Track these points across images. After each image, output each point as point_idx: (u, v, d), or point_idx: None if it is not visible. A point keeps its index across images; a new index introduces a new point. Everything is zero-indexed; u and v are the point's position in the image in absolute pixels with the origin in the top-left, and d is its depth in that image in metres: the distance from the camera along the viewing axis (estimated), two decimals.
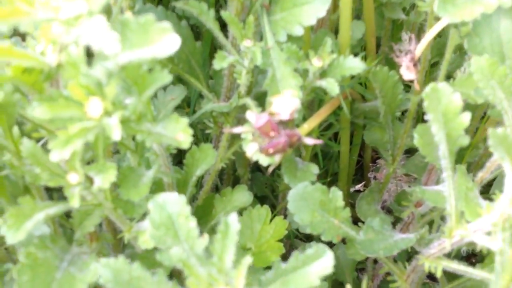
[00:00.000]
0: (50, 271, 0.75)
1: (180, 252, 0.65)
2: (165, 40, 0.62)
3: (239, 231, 1.14)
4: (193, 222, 0.74)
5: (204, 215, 1.20)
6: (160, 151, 0.92)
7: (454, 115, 0.80)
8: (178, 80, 1.23)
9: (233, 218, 0.67)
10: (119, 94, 0.81)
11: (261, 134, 0.78)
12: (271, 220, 1.14)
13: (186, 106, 1.36)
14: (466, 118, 0.81)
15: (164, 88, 1.21)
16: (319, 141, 0.80)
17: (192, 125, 1.39)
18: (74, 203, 0.77)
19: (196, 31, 1.38)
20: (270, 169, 0.84)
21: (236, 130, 0.81)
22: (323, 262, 0.68)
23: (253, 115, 0.78)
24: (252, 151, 0.80)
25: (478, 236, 0.82)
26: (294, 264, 0.69)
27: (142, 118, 0.77)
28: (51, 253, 0.77)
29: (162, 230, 0.73)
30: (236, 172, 1.35)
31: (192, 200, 1.32)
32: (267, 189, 1.44)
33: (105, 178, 0.77)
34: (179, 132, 0.75)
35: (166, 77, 0.71)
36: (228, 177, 1.39)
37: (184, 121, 0.76)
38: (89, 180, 0.84)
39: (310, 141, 0.80)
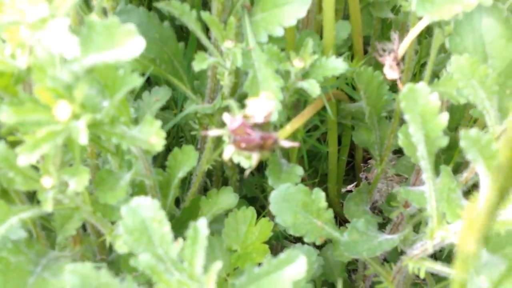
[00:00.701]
0: (23, 276, 0.75)
1: (148, 258, 0.65)
2: (130, 42, 0.61)
3: (219, 234, 1.14)
4: (167, 227, 0.74)
5: (191, 217, 1.19)
6: (139, 153, 0.92)
7: (432, 116, 0.78)
8: (166, 81, 1.23)
9: (202, 223, 0.66)
10: (95, 98, 0.80)
11: (236, 136, 0.77)
12: (257, 222, 1.13)
13: (175, 107, 1.36)
14: (444, 118, 0.79)
15: (150, 88, 1.21)
16: (296, 144, 0.79)
17: (179, 126, 1.39)
18: (48, 207, 0.76)
19: (185, 32, 1.37)
20: (247, 172, 0.83)
21: (212, 133, 0.80)
22: (296, 267, 0.67)
23: (228, 118, 0.77)
24: (228, 154, 0.79)
25: (458, 238, 0.80)
26: (267, 268, 0.68)
27: (115, 121, 0.76)
28: (25, 258, 0.77)
29: (135, 235, 0.73)
30: (225, 173, 1.34)
31: (179, 201, 1.31)
32: (257, 190, 1.43)
33: (78, 182, 0.77)
34: (153, 135, 0.75)
35: (136, 80, 0.70)
36: (217, 178, 1.38)
37: (158, 124, 0.76)
38: (65, 184, 0.83)
39: (287, 144, 0.79)
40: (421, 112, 0.78)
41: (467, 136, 0.66)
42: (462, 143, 0.66)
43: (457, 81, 0.95)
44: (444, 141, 0.81)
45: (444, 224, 0.84)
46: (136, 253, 0.73)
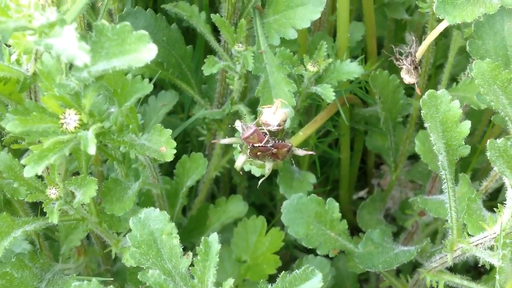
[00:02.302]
0: None
1: (156, 275, 0.61)
2: (142, 49, 0.58)
3: (228, 244, 1.11)
4: (176, 240, 0.70)
5: (198, 226, 1.16)
6: (146, 161, 0.89)
7: (453, 124, 0.75)
8: (172, 85, 1.19)
9: (214, 238, 0.63)
10: (102, 104, 0.77)
11: (249, 145, 0.73)
12: (267, 231, 1.10)
13: (181, 112, 1.33)
14: (466, 126, 0.76)
15: (156, 93, 1.17)
16: (311, 152, 0.76)
17: (186, 131, 1.36)
18: (53, 219, 0.73)
19: (192, 34, 1.34)
20: (260, 182, 0.79)
21: (224, 141, 0.76)
22: (312, 284, 0.64)
23: (240, 126, 0.73)
24: (240, 163, 0.76)
25: (480, 251, 0.77)
26: (281, 285, 0.65)
27: (124, 129, 0.73)
28: (29, 273, 0.73)
29: (143, 248, 0.69)
30: (233, 180, 1.31)
31: (185, 209, 1.28)
32: (266, 198, 1.39)
33: (85, 193, 0.73)
34: (163, 145, 0.71)
35: (146, 87, 0.67)
36: (225, 185, 1.35)
37: (168, 132, 0.72)
38: (71, 194, 0.80)
39: (301, 152, 0.76)
40: (443, 120, 0.75)
41: (494, 146, 0.62)
42: (489, 154, 0.63)
43: (477, 86, 0.91)
44: (466, 151, 0.77)
45: (465, 236, 0.81)
46: (143, 266, 0.70)
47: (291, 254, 1.34)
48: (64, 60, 0.55)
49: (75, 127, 0.64)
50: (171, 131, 0.71)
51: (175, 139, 1.44)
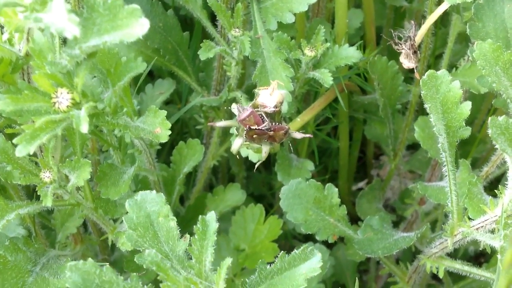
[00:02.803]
0: (21, 275, 0.70)
1: (152, 254, 0.60)
2: (135, 24, 0.57)
3: (226, 233, 1.10)
4: (173, 222, 0.69)
5: (196, 215, 1.14)
6: (142, 147, 0.87)
7: (453, 105, 0.74)
8: (169, 74, 1.18)
9: (212, 216, 0.62)
10: (96, 87, 0.76)
11: (245, 127, 0.72)
12: (265, 220, 1.09)
13: (179, 101, 1.31)
14: (466, 108, 0.75)
15: (154, 81, 1.16)
16: (308, 135, 0.75)
17: (183, 120, 1.34)
18: (47, 202, 0.72)
19: (189, 23, 1.32)
20: (256, 166, 0.78)
21: (220, 124, 0.75)
22: (311, 263, 0.63)
23: (237, 108, 0.72)
24: (236, 146, 0.75)
25: (481, 234, 0.76)
26: (280, 266, 0.64)
27: (118, 110, 0.72)
28: (23, 256, 0.72)
29: (140, 230, 0.68)
30: (231, 170, 1.30)
31: (183, 199, 1.27)
32: (264, 188, 1.38)
33: (79, 176, 0.72)
34: (157, 126, 0.70)
35: (140, 66, 0.66)
36: (223, 175, 1.34)
37: (162, 114, 0.71)
38: (65, 178, 0.79)
39: (298, 135, 0.75)
40: (443, 101, 0.74)
41: (495, 124, 0.61)
42: (490, 131, 0.62)
43: (477, 70, 0.90)
44: (466, 132, 0.76)
45: (465, 220, 0.80)
46: (140, 249, 0.69)
47: (290, 244, 1.33)
48: (53, 32, 0.54)
49: (67, 106, 0.63)
50: (166, 112, 0.69)
51: (172, 128, 1.43)
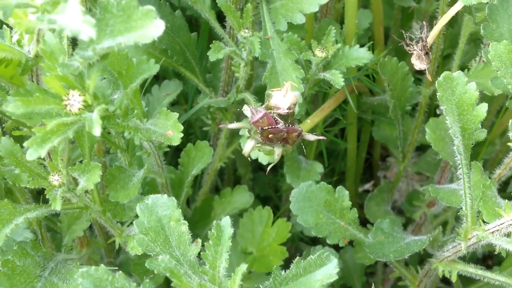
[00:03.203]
0: (30, 280, 0.69)
1: (166, 260, 0.59)
2: (149, 25, 0.56)
3: (234, 235, 1.08)
4: (184, 226, 0.68)
5: (203, 218, 1.13)
6: (151, 149, 0.86)
7: (469, 107, 0.73)
8: (175, 75, 1.17)
9: (226, 221, 0.60)
10: (106, 88, 0.75)
11: (258, 130, 0.71)
12: (273, 222, 1.07)
13: (184, 102, 1.30)
14: (483, 109, 0.73)
15: (159, 83, 1.15)
16: (321, 137, 0.74)
17: (189, 122, 1.33)
18: (56, 205, 0.71)
19: (195, 24, 1.31)
20: (269, 167, 0.77)
21: (232, 126, 0.74)
22: (328, 269, 0.62)
23: (249, 110, 0.71)
24: (248, 148, 0.73)
25: (497, 238, 0.75)
26: (295, 271, 0.63)
27: (128, 113, 0.71)
28: (31, 261, 0.71)
29: (151, 235, 0.67)
30: (237, 172, 1.29)
31: (189, 201, 1.26)
32: (271, 190, 1.37)
33: (89, 179, 0.71)
34: (169, 128, 0.69)
35: (153, 68, 0.64)
36: (229, 177, 1.32)
37: (174, 116, 0.70)
38: (74, 181, 0.78)
39: (311, 137, 0.74)
40: (458, 103, 0.73)
41: None
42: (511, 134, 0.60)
43: (490, 71, 0.89)
44: (482, 134, 0.75)
45: (480, 223, 0.79)
46: (151, 254, 0.68)
47: (297, 247, 1.31)
48: (68, 34, 0.53)
49: (79, 109, 0.61)
50: (178, 114, 0.68)
51: None
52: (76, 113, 0.61)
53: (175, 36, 1.02)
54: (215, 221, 0.61)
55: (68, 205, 0.77)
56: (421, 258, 1.25)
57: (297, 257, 1.09)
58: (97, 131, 0.58)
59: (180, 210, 0.69)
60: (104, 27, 0.58)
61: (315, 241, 1.34)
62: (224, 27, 1.00)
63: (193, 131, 1.36)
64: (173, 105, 1.34)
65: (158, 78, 1.28)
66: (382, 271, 1.32)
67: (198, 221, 1.15)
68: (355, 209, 0.92)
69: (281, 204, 1.34)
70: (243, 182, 1.30)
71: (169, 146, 1.41)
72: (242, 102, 1.06)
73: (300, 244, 1.30)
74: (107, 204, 0.83)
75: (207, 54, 0.92)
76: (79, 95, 0.62)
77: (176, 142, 0.67)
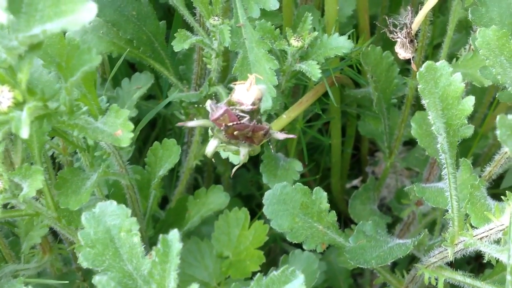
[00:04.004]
0: None
1: (104, 281, 0.52)
2: (80, 9, 0.48)
3: (209, 238, 1.02)
4: (136, 237, 0.61)
5: (177, 220, 1.06)
6: (110, 148, 0.79)
7: (454, 100, 0.65)
8: (150, 68, 1.09)
9: (174, 235, 0.53)
10: (53, 83, 0.68)
11: (220, 128, 0.64)
12: (250, 225, 1.00)
13: (161, 96, 1.23)
14: (469, 103, 0.66)
15: (130, 76, 1.08)
16: (291, 136, 0.66)
17: (165, 117, 1.26)
18: None
19: (172, 12, 1.23)
20: (233, 170, 0.70)
21: (191, 124, 0.67)
22: (293, 287, 0.55)
23: (210, 106, 0.64)
24: (211, 148, 0.66)
25: (486, 245, 0.68)
26: None
27: (75, 110, 0.64)
28: None
29: (98, 248, 0.60)
30: (217, 169, 1.22)
31: (167, 201, 1.19)
32: (253, 187, 1.30)
33: (31, 185, 0.64)
34: (118, 127, 0.62)
35: (95, 58, 0.57)
36: (209, 174, 1.25)
37: (125, 113, 0.63)
38: (20, 187, 0.71)
39: (281, 136, 0.66)
40: (442, 96, 0.65)
41: (504, 124, 0.53)
42: (499, 133, 0.53)
43: (480, 60, 0.82)
44: (468, 131, 0.68)
45: (468, 228, 0.72)
46: (99, 269, 0.61)
47: (280, 247, 1.25)
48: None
49: (8, 106, 0.54)
50: (128, 111, 0.61)
51: (154, 125, 1.35)
52: (5, 112, 0.54)
53: (141, 25, 0.94)
54: (161, 235, 0.54)
55: (14, 213, 0.70)
56: (412, 259, 1.19)
57: (282, 256, 1.04)
58: (24, 133, 0.51)
59: (133, 219, 0.62)
60: (33, 12, 0.51)
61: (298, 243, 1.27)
62: (194, 14, 0.92)
63: (171, 127, 1.29)
64: (149, 99, 1.27)
65: (129, 70, 1.20)
66: (370, 272, 1.25)
67: (172, 223, 1.08)
68: (334, 212, 0.85)
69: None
70: (223, 180, 1.23)
71: (145, 142, 1.35)
72: (216, 96, 0.99)
73: (283, 244, 1.23)
74: (62, 210, 0.76)
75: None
76: (9, 91, 0.55)
77: (125, 143, 0.60)
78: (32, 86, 0.58)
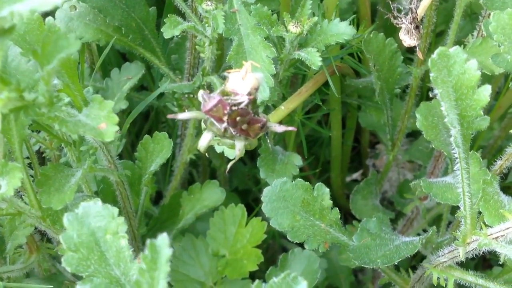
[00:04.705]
0: None
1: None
2: None
3: (204, 236, 0.97)
4: (124, 240, 0.56)
5: (171, 216, 1.01)
6: (97, 142, 0.74)
7: (469, 90, 0.60)
8: (141, 58, 1.04)
9: (163, 240, 0.48)
10: (33, 72, 0.62)
11: (214, 120, 0.59)
12: (248, 222, 0.96)
13: (154, 87, 1.17)
14: (485, 93, 0.61)
15: (120, 66, 1.02)
16: (291, 128, 0.61)
17: (157, 109, 1.21)
18: None
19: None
20: (229, 165, 0.65)
21: (182, 116, 0.62)
22: None
23: (202, 96, 0.59)
24: (204, 142, 0.61)
25: (501, 246, 0.63)
26: None
27: (55, 101, 0.58)
28: None
29: (82, 252, 0.55)
30: (212, 163, 1.16)
31: (161, 197, 1.14)
32: (250, 182, 1.25)
33: (9, 183, 0.59)
34: (102, 120, 0.56)
35: (73, 44, 0.52)
36: (204, 169, 1.20)
37: (109, 105, 0.58)
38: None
39: (279, 129, 0.61)
40: (456, 85, 0.60)
41: None
42: None
43: (490, 47, 0.77)
44: (484, 123, 0.63)
45: (480, 226, 0.67)
46: (84, 275, 0.56)
47: (279, 245, 1.20)
48: None
49: None
50: (113, 103, 0.56)
51: (146, 117, 1.29)
52: None
53: (130, 11, 0.89)
54: (148, 240, 0.49)
55: None
56: (415, 254, 1.14)
57: (282, 254, 1.00)
58: None
59: (121, 219, 0.57)
60: None
61: None
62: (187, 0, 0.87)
63: (165, 120, 1.23)
64: (140, 90, 1.21)
65: (120, 59, 1.14)
66: (372, 268, 1.21)
67: (166, 219, 1.03)
68: (337, 208, 0.80)
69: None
70: (219, 174, 1.18)
71: (138, 135, 1.29)
72: (210, 86, 0.93)
73: (281, 241, 1.19)
74: (46, 209, 0.71)
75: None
76: None
77: (109, 137, 0.55)
78: (8, 75, 0.53)
